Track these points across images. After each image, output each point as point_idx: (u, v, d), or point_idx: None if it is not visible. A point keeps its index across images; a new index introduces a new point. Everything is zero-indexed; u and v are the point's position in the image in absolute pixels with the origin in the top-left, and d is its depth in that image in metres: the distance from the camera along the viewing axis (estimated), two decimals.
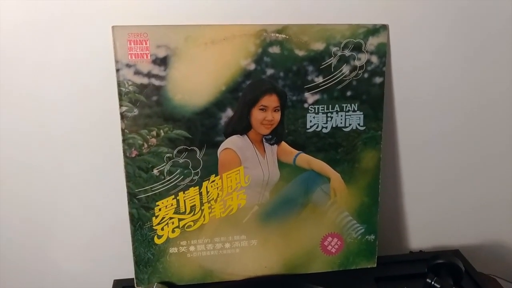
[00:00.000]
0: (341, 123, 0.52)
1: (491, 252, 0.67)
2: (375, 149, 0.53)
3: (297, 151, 0.52)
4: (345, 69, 0.50)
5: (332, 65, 0.50)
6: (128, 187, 0.49)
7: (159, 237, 0.51)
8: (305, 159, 0.52)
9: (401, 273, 0.56)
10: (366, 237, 0.55)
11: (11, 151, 0.53)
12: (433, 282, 0.49)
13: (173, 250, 0.52)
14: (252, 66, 0.48)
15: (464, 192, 0.63)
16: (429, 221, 0.64)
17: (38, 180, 0.54)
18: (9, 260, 0.58)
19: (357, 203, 0.54)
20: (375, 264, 0.57)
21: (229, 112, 0.49)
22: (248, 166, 0.51)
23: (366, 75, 0.51)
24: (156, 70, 0.47)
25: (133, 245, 0.51)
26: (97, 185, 0.55)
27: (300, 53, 0.49)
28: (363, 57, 0.50)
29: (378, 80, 0.51)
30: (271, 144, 0.51)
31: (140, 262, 0.52)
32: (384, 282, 0.55)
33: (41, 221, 0.56)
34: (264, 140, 0.51)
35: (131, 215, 0.50)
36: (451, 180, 0.62)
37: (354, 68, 0.50)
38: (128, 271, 0.53)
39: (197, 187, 0.50)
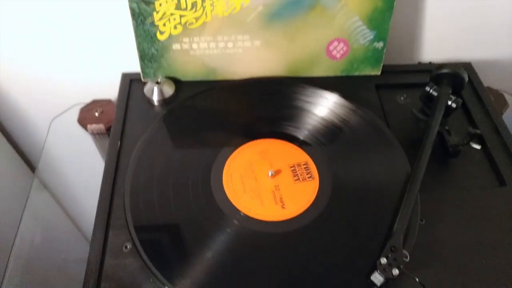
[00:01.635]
0: None
1: (506, 68, 0.65)
2: None
3: None
4: None
5: None
6: None
7: (162, 33, 0.51)
8: None
9: (403, 82, 0.56)
10: (374, 44, 0.54)
11: None
12: (431, 90, 0.49)
13: (176, 46, 0.53)
14: None
15: (488, 5, 0.58)
16: (445, 32, 0.60)
17: None
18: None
19: (370, 7, 0.51)
20: (379, 72, 0.56)
21: None
22: None
23: None
24: None
25: (136, 40, 0.52)
26: None
27: None
28: None
29: None
30: None
31: (144, 57, 0.53)
32: (384, 89, 0.55)
33: (54, 18, 0.57)
34: None
35: (132, 10, 0.49)
36: None
37: None
38: (135, 65, 0.55)
39: None
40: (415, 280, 0.36)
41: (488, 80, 0.58)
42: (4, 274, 0.56)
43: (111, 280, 0.39)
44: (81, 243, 0.81)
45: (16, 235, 0.60)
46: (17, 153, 0.74)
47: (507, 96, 0.62)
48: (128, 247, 0.41)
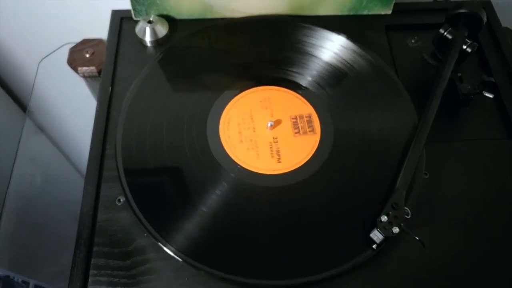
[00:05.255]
0: None
1: None
2: None
3: None
4: None
5: None
6: None
7: None
8: None
9: (416, 22, 0.52)
10: None
11: None
12: (445, 33, 0.45)
13: None
14: None
15: None
16: None
17: None
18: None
19: None
20: (390, 11, 0.52)
21: None
22: None
23: None
24: None
25: None
26: None
27: None
28: None
29: None
30: None
31: None
32: (394, 31, 0.51)
33: None
34: None
35: None
36: None
37: None
38: (126, 2, 0.51)
39: None
40: (415, 238, 0.36)
41: (506, 20, 0.53)
42: (1, 216, 0.56)
43: (105, 235, 0.38)
44: (80, 183, 0.82)
45: (11, 176, 0.60)
46: (8, 94, 0.72)
47: None
48: (122, 200, 0.40)
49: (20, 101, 0.75)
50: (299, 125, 0.43)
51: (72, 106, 0.72)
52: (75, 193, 0.42)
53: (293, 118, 0.43)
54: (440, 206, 0.40)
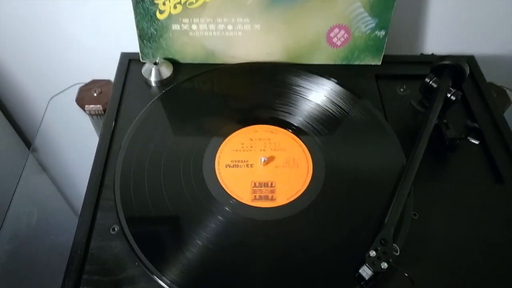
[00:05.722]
0: None
1: (510, 63, 0.64)
2: None
3: None
4: None
5: None
6: None
7: (161, 12, 0.50)
8: None
9: (404, 73, 0.55)
10: (376, 32, 0.53)
11: None
12: (431, 82, 0.48)
13: (175, 27, 0.52)
14: None
15: None
16: (449, 24, 0.59)
17: None
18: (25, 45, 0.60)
19: None
20: (380, 62, 0.55)
21: None
22: None
23: None
24: None
25: (135, 18, 0.51)
26: None
27: None
28: None
29: None
30: None
31: (143, 36, 0.53)
32: (384, 80, 0.55)
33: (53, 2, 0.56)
34: None
35: None
36: None
37: None
38: (134, 46, 0.54)
39: None
40: (405, 274, 0.36)
41: (491, 76, 0.57)
42: None
43: (96, 263, 0.38)
44: (73, 224, 0.82)
45: (6, 213, 0.60)
46: (15, 130, 0.74)
47: (509, 93, 0.61)
48: (116, 229, 0.41)
49: (26, 138, 0.77)
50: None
51: (76, 146, 0.74)
52: (70, 236, 0.43)
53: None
54: (429, 245, 0.40)
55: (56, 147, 0.75)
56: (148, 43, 0.53)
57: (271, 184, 0.43)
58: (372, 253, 0.37)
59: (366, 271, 0.36)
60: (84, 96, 0.60)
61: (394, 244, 0.37)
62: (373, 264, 0.36)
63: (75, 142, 0.73)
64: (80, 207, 0.42)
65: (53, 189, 0.78)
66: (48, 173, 0.75)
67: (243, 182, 0.43)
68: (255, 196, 0.42)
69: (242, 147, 0.45)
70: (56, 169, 0.76)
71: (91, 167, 0.46)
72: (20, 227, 0.64)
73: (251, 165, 0.44)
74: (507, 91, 0.61)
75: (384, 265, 0.36)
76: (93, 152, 0.48)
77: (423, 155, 0.43)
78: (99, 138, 0.47)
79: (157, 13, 0.51)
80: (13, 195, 0.62)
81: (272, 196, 0.42)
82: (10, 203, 0.61)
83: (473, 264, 0.39)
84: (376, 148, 0.46)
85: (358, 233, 0.40)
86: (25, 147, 0.77)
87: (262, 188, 0.42)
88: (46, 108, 0.64)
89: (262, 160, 0.44)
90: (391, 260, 0.36)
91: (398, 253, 0.37)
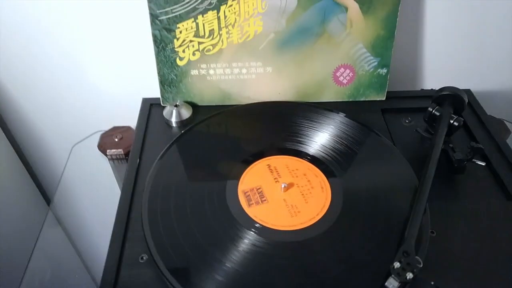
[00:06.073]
0: None
1: (507, 98, 0.69)
2: None
3: None
4: None
5: None
6: (150, 8, 0.52)
7: (181, 59, 0.55)
8: None
9: (407, 106, 0.59)
10: (378, 70, 0.57)
11: None
12: (433, 111, 0.52)
13: (194, 72, 0.56)
14: None
15: (489, 35, 0.62)
16: (446, 62, 0.64)
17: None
18: (51, 77, 0.65)
19: (373, 35, 0.55)
20: (384, 97, 0.60)
21: None
22: None
23: None
24: None
25: (157, 65, 0.56)
26: (120, 8, 0.58)
27: None
28: None
29: None
30: None
31: (164, 82, 0.57)
32: (390, 113, 0.58)
33: (75, 51, 0.62)
34: None
35: (154, 36, 0.54)
36: (476, 19, 0.60)
37: None
38: (155, 91, 0.59)
39: (215, 11, 0.52)
40: (431, 283, 0.37)
41: (489, 110, 0.61)
42: None
43: None
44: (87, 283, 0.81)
45: (25, 272, 0.60)
46: (35, 183, 0.76)
47: (509, 125, 0.65)
48: (144, 258, 0.42)
49: (44, 191, 0.79)
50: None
51: (95, 193, 0.75)
52: None
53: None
54: (450, 261, 0.41)
55: (76, 198, 0.76)
56: (169, 88, 0.58)
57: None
58: (397, 265, 0.38)
59: (392, 283, 0.37)
60: (106, 141, 0.63)
61: (416, 256, 0.39)
62: (398, 274, 0.37)
63: (94, 191, 0.75)
64: (93, 260, 0.43)
65: (67, 244, 0.78)
66: (62, 225, 0.75)
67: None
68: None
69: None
70: (72, 221, 0.77)
71: (110, 221, 0.47)
72: (33, 285, 0.64)
73: (272, 192, 0.46)
74: (506, 123, 0.65)
75: (410, 275, 0.37)
76: (110, 201, 0.49)
77: (433, 178, 0.45)
78: (125, 173, 0.50)
79: (177, 60, 0.55)
80: (32, 252, 0.62)
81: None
82: (29, 261, 0.61)
83: (493, 276, 0.40)
84: (388, 171, 0.49)
85: (380, 252, 0.41)
86: (43, 201, 0.78)
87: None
88: (69, 155, 0.67)
89: (282, 186, 0.46)
90: (415, 270, 0.37)
91: (421, 265, 0.38)
